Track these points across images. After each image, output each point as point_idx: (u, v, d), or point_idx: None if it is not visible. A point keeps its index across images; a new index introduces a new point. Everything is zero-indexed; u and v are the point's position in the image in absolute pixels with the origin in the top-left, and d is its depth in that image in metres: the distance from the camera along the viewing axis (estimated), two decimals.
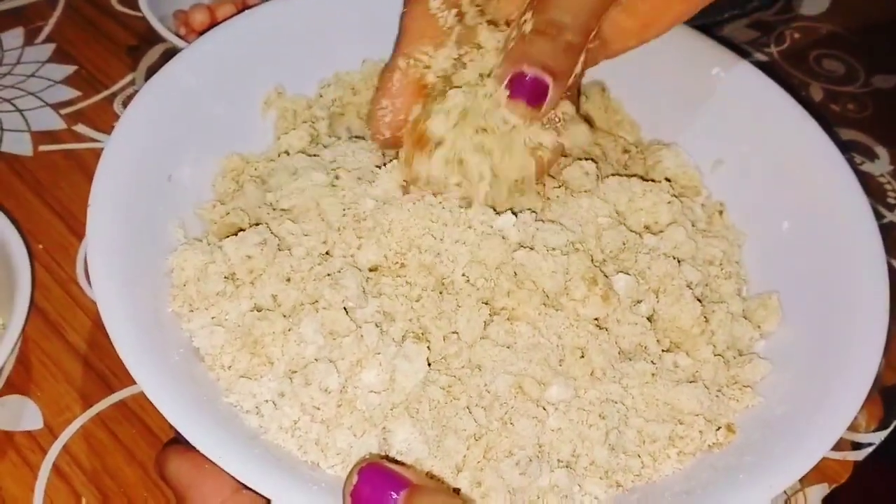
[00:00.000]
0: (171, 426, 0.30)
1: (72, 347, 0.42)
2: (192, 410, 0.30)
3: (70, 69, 0.54)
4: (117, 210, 0.36)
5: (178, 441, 0.30)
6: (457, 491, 0.31)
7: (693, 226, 0.40)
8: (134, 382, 0.39)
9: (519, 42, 0.34)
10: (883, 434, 0.42)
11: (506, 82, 0.34)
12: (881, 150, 0.54)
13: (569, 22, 0.34)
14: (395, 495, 0.27)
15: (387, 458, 0.31)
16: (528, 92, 0.34)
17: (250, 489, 0.29)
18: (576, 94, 0.40)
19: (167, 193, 0.38)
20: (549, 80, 0.34)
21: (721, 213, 0.42)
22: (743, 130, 0.43)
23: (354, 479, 0.27)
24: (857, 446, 0.41)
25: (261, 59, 0.43)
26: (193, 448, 0.29)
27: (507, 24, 0.37)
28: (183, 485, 0.30)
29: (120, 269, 0.34)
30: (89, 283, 0.44)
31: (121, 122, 0.38)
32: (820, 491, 0.40)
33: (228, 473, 0.29)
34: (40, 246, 0.45)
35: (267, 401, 0.33)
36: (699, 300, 0.37)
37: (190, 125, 0.40)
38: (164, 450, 0.31)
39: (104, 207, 0.35)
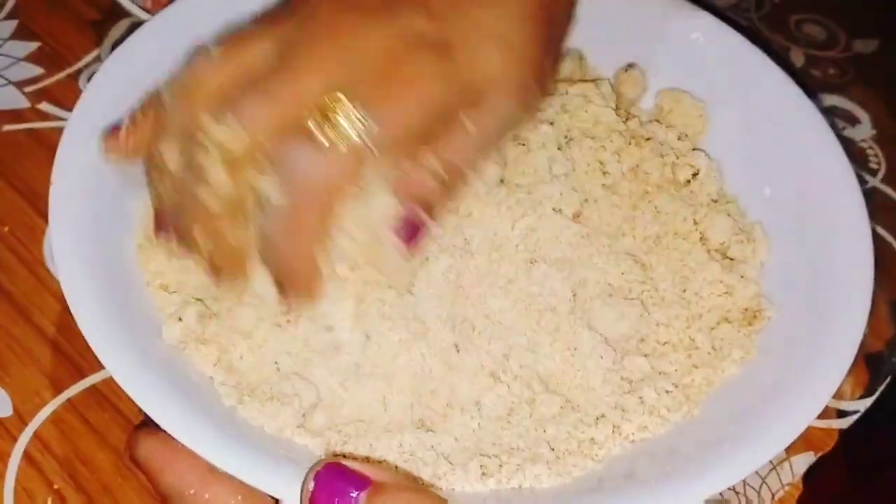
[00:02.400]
0: (140, 409, 0.29)
1: (40, 331, 0.40)
2: (160, 392, 0.29)
3: (33, 46, 0.52)
4: (81, 189, 0.35)
5: (148, 423, 0.29)
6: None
7: None
8: (104, 367, 0.39)
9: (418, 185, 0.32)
10: (868, 401, 0.42)
11: (396, 227, 0.32)
12: (863, 115, 0.54)
13: (467, 164, 0.33)
14: (354, 495, 0.26)
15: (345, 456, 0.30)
16: (412, 233, 0.32)
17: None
18: None
19: (132, 170, 0.37)
20: (429, 222, 0.33)
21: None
22: (722, 96, 0.42)
23: (311, 484, 0.26)
24: (842, 414, 0.41)
25: (228, 30, 0.42)
26: (164, 430, 0.28)
27: None
28: (155, 467, 0.29)
29: (84, 250, 0.33)
30: None
31: (83, 98, 0.37)
32: (805, 459, 0.39)
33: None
34: (5, 228, 0.44)
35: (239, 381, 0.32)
36: None
37: None
38: (134, 432, 0.30)
39: (67, 187, 0.34)
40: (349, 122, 0.29)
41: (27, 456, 0.37)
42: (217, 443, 0.28)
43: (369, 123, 0.29)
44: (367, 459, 0.31)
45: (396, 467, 0.31)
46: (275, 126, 0.30)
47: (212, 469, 0.29)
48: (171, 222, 0.33)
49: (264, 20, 0.34)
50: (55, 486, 0.36)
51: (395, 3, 0.32)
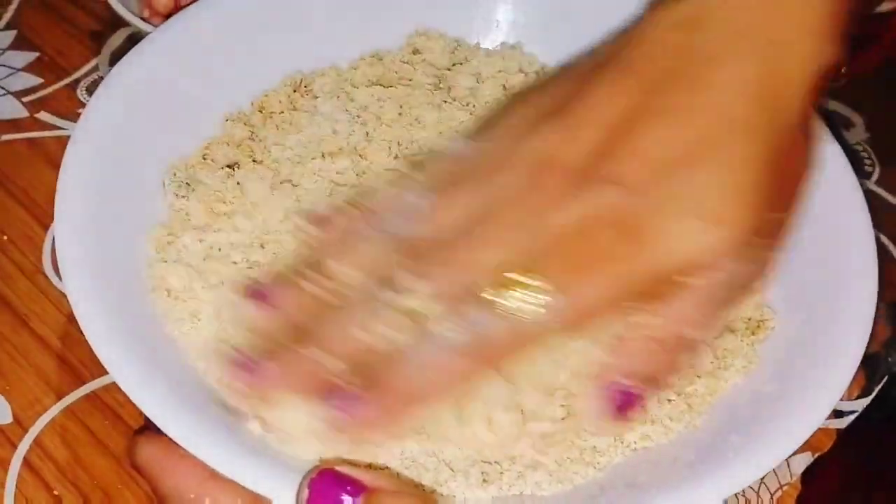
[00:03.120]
0: (142, 414, 0.29)
1: (40, 339, 0.41)
2: (161, 396, 0.29)
3: (32, 56, 0.52)
4: (85, 195, 0.35)
5: (149, 428, 0.30)
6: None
7: None
8: (106, 373, 0.39)
9: (647, 353, 0.30)
10: (865, 401, 0.42)
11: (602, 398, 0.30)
12: (856, 118, 0.54)
13: (694, 343, 0.30)
14: (349, 501, 0.26)
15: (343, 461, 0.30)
16: (628, 408, 0.30)
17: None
18: None
19: (136, 182, 0.38)
20: (650, 400, 0.30)
21: None
22: None
23: (305, 492, 0.26)
24: (839, 414, 0.41)
25: (230, 42, 0.42)
26: (164, 434, 0.28)
27: None
28: (155, 472, 0.29)
29: (89, 257, 0.33)
30: (57, 273, 0.43)
31: (88, 108, 0.37)
32: (803, 459, 0.39)
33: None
34: (5, 237, 0.44)
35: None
36: None
37: (158, 110, 0.39)
38: (134, 437, 0.30)
39: (72, 193, 0.35)
40: (526, 294, 0.28)
41: (27, 463, 0.37)
42: (217, 447, 0.28)
43: (550, 295, 0.28)
44: (369, 466, 0.31)
45: (398, 474, 0.31)
46: (455, 293, 0.29)
47: (212, 474, 0.29)
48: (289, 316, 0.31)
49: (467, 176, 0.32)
50: (55, 493, 0.36)
51: (590, 178, 0.30)
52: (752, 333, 0.36)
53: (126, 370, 0.30)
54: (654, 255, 0.29)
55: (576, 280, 0.29)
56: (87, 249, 0.33)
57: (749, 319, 0.37)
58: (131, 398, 0.29)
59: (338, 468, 0.26)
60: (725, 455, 0.31)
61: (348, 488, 0.26)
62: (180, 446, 0.28)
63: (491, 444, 0.31)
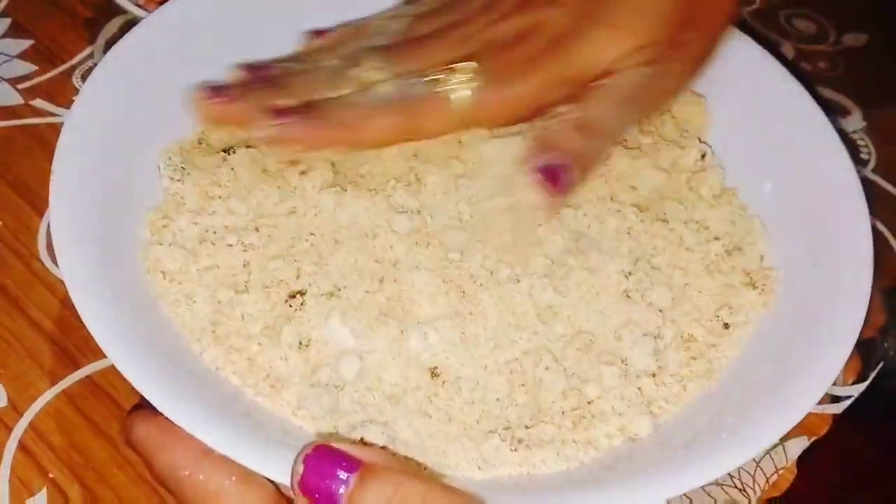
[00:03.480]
0: (136, 395, 0.29)
1: (35, 324, 0.40)
2: (156, 374, 0.29)
3: (26, 43, 0.52)
4: (80, 177, 0.35)
5: (143, 407, 0.30)
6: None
7: None
8: (101, 357, 0.39)
9: (563, 132, 0.36)
10: (861, 387, 0.42)
11: (539, 166, 0.35)
12: (853, 107, 0.54)
13: (607, 130, 0.37)
14: (343, 479, 0.26)
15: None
16: (557, 179, 0.35)
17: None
18: None
19: (131, 166, 0.38)
20: (577, 172, 0.36)
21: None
22: (722, 92, 0.42)
23: (300, 467, 0.26)
24: (835, 399, 0.41)
25: (225, 26, 0.42)
26: (159, 413, 0.28)
27: None
28: (150, 450, 0.29)
29: (84, 240, 0.33)
30: (52, 258, 0.43)
31: (83, 92, 0.37)
32: (799, 444, 0.39)
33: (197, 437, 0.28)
34: (0, 222, 0.44)
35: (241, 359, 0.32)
36: None
37: (153, 94, 0.39)
38: (129, 416, 0.30)
39: (67, 175, 0.35)
40: (461, 80, 0.37)
41: (22, 446, 0.37)
42: (211, 425, 0.28)
43: (479, 81, 0.37)
44: (361, 441, 0.31)
45: (394, 452, 0.31)
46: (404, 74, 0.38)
47: (206, 451, 0.29)
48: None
49: None
50: (50, 475, 0.36)
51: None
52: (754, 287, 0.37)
53: (120, 349, 0.30)
54: (574, 57, 0.37)
55: (504, 73, 0.37)
56: (82, 233, 0.33)
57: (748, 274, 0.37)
58: (125, 376, 0.29)
59: (333, 444, 0.26)
60: (721, 435, 0.31)
61: (343, 464, 0.26)
62: (174, 424, 0.28)
63: None
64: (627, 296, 0.35)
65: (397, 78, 0.37)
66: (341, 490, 0.25)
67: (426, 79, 0.37)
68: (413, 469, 0.30)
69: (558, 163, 0.35)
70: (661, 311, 0.35)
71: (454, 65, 0.37)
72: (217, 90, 0.38)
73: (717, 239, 0.38)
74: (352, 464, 0.26)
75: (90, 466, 0.37)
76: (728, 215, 0.39)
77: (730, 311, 0.36)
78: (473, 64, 0.37)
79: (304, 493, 0.26)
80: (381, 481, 0.25)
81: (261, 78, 0.39)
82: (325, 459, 0.26)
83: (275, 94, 0.38)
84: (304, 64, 0.40)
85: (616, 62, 0.37)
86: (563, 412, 0.33)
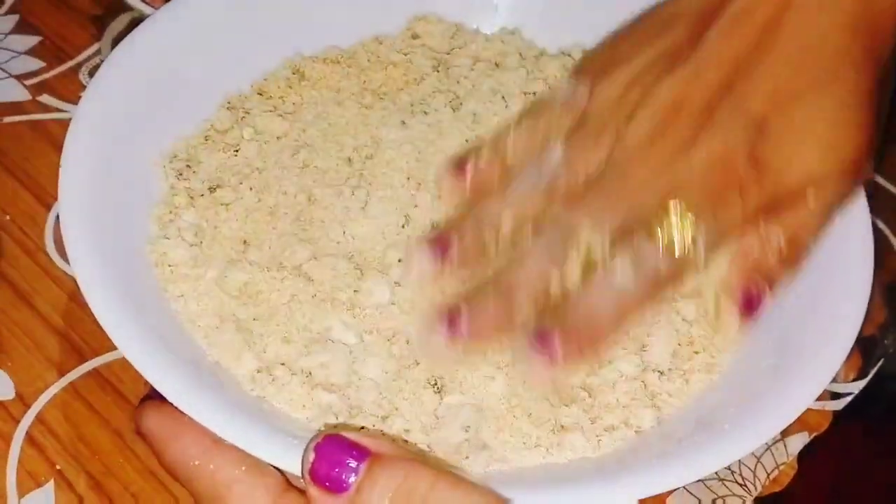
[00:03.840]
0: (145, 386, 0.29)
1: (42, 317, 0.41)
2: (165, 364, 0.29)
3: (34, 40, 0.53)
4: (89, 171, 0.35)
5: (154, 397, 0.30)
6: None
7: None
8: (107, 350, 0.39)
9: (767, 260, 0.34)
10: (861, 384, 0.42)
11: (738, 295, 0.34)
12: None
13: (805, 257, 0.34)
14: (354, 467, 0.26)
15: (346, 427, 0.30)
16: (754, 308, 0.34)
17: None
18: None
19: (138, 161, 0.38)
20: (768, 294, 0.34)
21: None
22: None
23: (311, 455, 0.26)
24: (836, 396, 0.42)
25: (230, 24, 0.43)
26: (169, 404, 0.29)
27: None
28: (160, 439, 0.30)
29: (93, 233, 0.33)
30: (59, 252, 0.43)
31: (90, 88, 0.38)
32: (800, 440, 0.40)
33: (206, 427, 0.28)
34: (7, 216, 0.44)
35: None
36: None
37: (159, 91, 0.40)
38: (140, 406, 0.31)
39: (76, 169, 0.35)
40: (681, 228, 0.32)
41: (29, 437, 0.37)
42: (220, 415, 0.29)
43: (700, 229, 0.32)
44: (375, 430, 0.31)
45: (405, 441, 0.31)
46: (619, 226, 0.32)
47: (216, 441, 0.29)
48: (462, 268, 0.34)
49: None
50: (57, 467, 0.36)
51: (716, 115, 0.33)
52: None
53: (131, 341, 0.30)
54: (779, 176, 0.33)
55: (716, 207, 0.33)
56: (91, 226, 0.34)
57: None
58: (136, 367, 0.29)
59: (343, 433, 0.27)
60: (723, 426, 0.31)
61: (353, 453, 0.26)
62: (184, 415, 0.28)
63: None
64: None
65: (608, 232, 0.32)
66: (351, 478, 0.26)
67: (653, 225, 0.32)
68: (421, 458, 0.30)
69: (758, 291, 0.34)
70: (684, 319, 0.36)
71: (671, 206, 0.32)
72: (448, 318, 0.32)
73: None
74: (361, 452, 0.26)
75: (97, 458, 0.37)
76: None
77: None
78: (689, 207, 0.32)
79: (314, 481, 0.26)
80: (390, 469, 0.26)
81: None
82: (335, 448, 0.26)
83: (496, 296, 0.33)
84: (485, 236, 0.34)
85: (820, 176, 0.34)
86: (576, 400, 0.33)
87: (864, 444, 0.41)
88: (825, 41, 0.33)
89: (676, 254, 0.32)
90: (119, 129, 0.38)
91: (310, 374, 0.32)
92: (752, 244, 0.33)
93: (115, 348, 0.39)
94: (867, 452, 0.41)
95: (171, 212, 0.37)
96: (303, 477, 0.26)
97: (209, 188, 0.38)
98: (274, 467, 0.29)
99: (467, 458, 0.31)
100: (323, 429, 0.31)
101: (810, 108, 0.33)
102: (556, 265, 0.32)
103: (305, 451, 0.26)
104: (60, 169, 0.35)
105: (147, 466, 0.37)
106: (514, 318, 0.32)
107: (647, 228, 0.32)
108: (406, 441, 0.31)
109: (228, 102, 0.42)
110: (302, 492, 0.29)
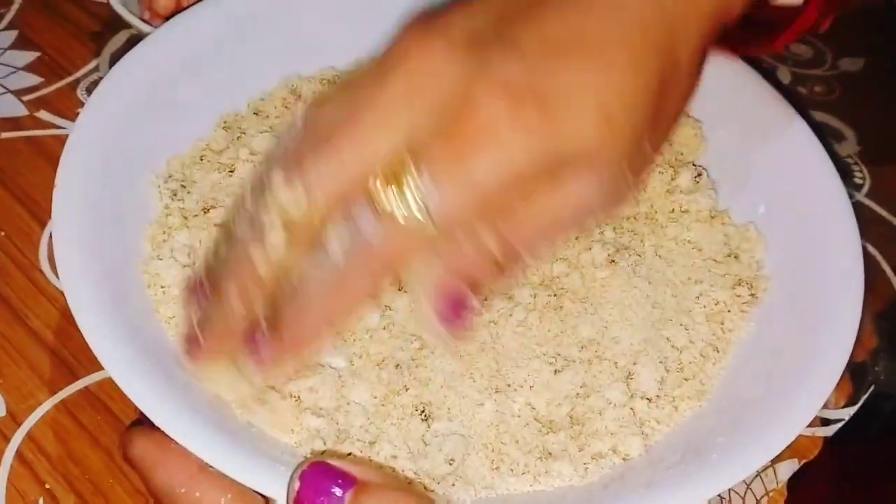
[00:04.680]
0: (135, 409, 0.29)
1: (35, 334, 0.41)
2: (153, 388, 0.29)
3: (33, 55, 0.53)
4: (83, 192, 0.35)
5: (142, 423, 0.30)
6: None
7: None
8: (99, 369, 0.39)
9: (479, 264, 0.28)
10: (852, 410, 0.42)
11: (438, 302, 0.28)
12: (848, 132, 0.55)
13: (527, 248, 0.29)
14: (339, 494, 0.26)
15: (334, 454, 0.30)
16: (454, 310, 0.29)
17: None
18: None
19: (133, 180, 0.38)
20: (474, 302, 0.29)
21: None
22: (717, 115, 0.43)
23: (296, 484, 0.26)
24: (826, 422, 0.42)
25: (228, 44, 0.43)
26: (157, 429, 0.29)
27: None
28: (147, 466, 0.30)
29: (86, 253, 0.33)
30: (53, 269, 0.43)
31: (87, 107, 0.38)
32: (790, 466, 0.40)
33: (193, 453, 0.28)
34: (2, 233, 0.44)
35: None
36: None
37: (156, 110, 0.40)
38: (127, 431, 0.31)
39: (70, 189, 0.35)
40: (411, 189, 0.26)
41: (20, 456, 0.37)
42: (208, 441, 0.29)
43: (432, 195, 0.26)
44: (362, 456, 0.31)
45: (392, 468, 0.31)
46: (338, 189, 0.27)
47: (203, 468, 0.29)
48: (207, 283, 0.30)
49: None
50: (47, 486, 0.36)
51: (485, 43, 0.27)
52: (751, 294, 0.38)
53: (119, 364, 0.30)
54: (554, 136, 0.27)
55: (464, 168, 0.26)
56: (84, 246, 0.34)
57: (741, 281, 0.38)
58: (125, 392, 0.29)
59: (329, 461, 0.27)
60: (711, 456, 0.31)
61: (339, 481, 0.26)
62: (172, 442, 0.28)
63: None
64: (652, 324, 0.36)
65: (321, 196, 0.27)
66: None
67: (371, 187, 0.27)
68: (406, 487, 0.30)
69: (461, 298, 0.29)
70: (673, 346, 0.36)
71: (386, 161, 0.26)
72: (192, 348, 0.31)
73: (715, 261, 0.38)
74: (347, 481, 0.26)
75: (86, 477, 0.37)
76: (721, 237, 0.39)
77: (722, 332, 0.36)
78: (426, 164, 0.26)
79: None
80: (376, 498, 0.26)
81: (202, 296, 0.31)
82: (321, 476, 0.26)
83: (224, 304, 0.29)
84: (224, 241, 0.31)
85: (596, 149, 0.27)
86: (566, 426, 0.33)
87: (854, 470, 0.41)
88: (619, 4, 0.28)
89: (401, 222, 0.26)
90: (115, 148, 0.38)
91: (298, 398, 0.33)
92: (465, 245, 0.28)
93: None
94: (857, 479, 0.41)
95: (164, 232, 0.37)
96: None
97: (203, 209, 0.38)
98: (260, 495, 0.29)
99: (454, 485, 0.31)
100: (310, 455, 0.31)
101: (590, 70, 0.27)
102: (257, 240, 0.28)
103: (291, 478, 0.27)
104: (55, 187, 0.35)
105: (136, 487, 0.37)
106: (238, 321, 0.29)
107: (366, 191, 0.27)
108: (393, 469, 0.31)
109: (224, 122, 0.42)
110: None
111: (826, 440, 0.41)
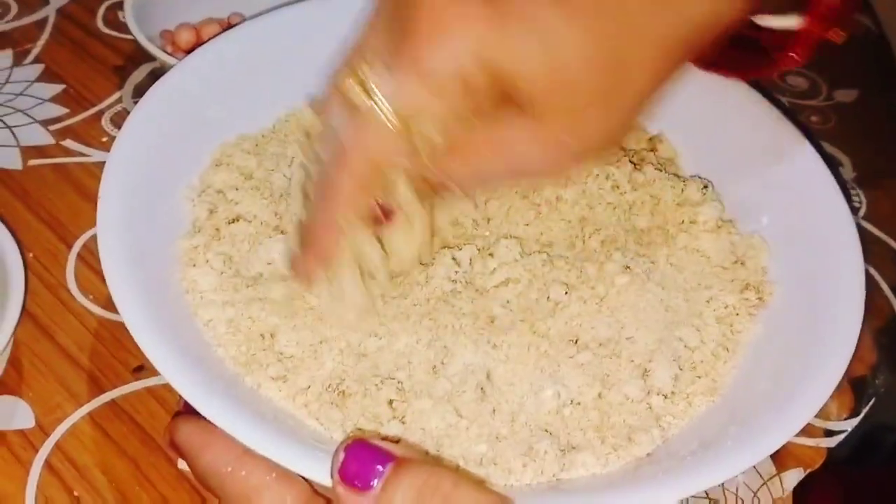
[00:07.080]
0: (177, 403, 0.31)
1: (62, 349, 0.42)
2: (199, 381, 0.31)
3: (58, 88, 0.55)
4: (125, 202, 0.37)
5: (185, 412, 0.31)
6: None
7: None
8: (124, 382, 0.41)
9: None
10: (854, 422, 0.43)
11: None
12: (844, 159, 0.56)
13: (460, 184, 0.32)
14: (380, 469, 0.27)
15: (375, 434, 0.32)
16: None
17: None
18: None
19: (168, 196, 0.40)
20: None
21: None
22: (723, 130, 0.45)
23: (341, 455, 0.28)
24: (829, 433, 0.43)
25: (248, 75, 0.45)
26: (201, 416, 0.30)
27: None
28: (195, 447, 0.31)
29: (129, 264, 0.35)
30: (79, 288, 0.45)
31: (123, 131, 0.40)
32: (795, 476, 0.41)
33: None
34: (31, 255, 0.46)
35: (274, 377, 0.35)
36: None
37: (186, 133, 0.42)
38: (173, 420, 0.32)
39: (113, 201, 0.37)
40: (368, 78, 0.29)
41: (48, 465, 0.38)
42: (249, 426, 0.30)
43: (387, 83, 0.29)
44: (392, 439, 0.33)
45: (426, 452, 0.33)
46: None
47: (247, 450, 0.30)
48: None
49: None
50: (75, 493, 0.38)
51: None
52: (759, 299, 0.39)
53: (167, 359, 0.32)
54: (498, 46, 0.28)
55: (410, 58, 0.29)
56: (126, 257, 0.35)
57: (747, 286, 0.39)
58: (172, 384, 0.31)
59: (370, 439, 0.28)
60: (727, 443, 0.32)
61: (380, 457, 0.28)
62: (215, 427, 0.30)
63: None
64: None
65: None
66: (378, 478, 0.27)
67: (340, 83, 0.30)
68: (442, 464, 0.31)
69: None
70: (686, 346, 0.38)
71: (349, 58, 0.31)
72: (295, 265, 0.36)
73: (723, 268, 0.40)
74: (388, 456, 0.28)
75: (113, 485, 0.38)
76: (728, 245, 0.41)
77: (731, 333, 0.38)
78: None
79: (343, 480, 0.27)
80: (415, 469, 0.27)
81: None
82: (364, 450, 0.28)
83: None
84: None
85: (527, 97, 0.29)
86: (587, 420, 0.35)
87: (856, 479, 0.42)
88: None
89: (362, 111, 0.29)
90: (149, 170, 0.39)
91: (334, 399, 0.34)
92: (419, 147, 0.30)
93: (131, 380, 0.41)
94: (859, 487, 0.42)
95: (200, 242, 0.39)
96: (332, 476, 0.28)
97: (232, 219, 0.40)
98: (302, 476, 0.30)
99: (487, 470, 0.32)
100: (352, 434, 0.32)
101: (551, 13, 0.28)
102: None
103: (336, 452, 0.28)
104: (98, 203, 0.36)
105: (162, 494, 0.38)
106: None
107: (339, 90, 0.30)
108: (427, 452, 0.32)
109: (247, 141, 0.44)
110: (327, 499, 0.30)
111: (829, 450, 0.42)
